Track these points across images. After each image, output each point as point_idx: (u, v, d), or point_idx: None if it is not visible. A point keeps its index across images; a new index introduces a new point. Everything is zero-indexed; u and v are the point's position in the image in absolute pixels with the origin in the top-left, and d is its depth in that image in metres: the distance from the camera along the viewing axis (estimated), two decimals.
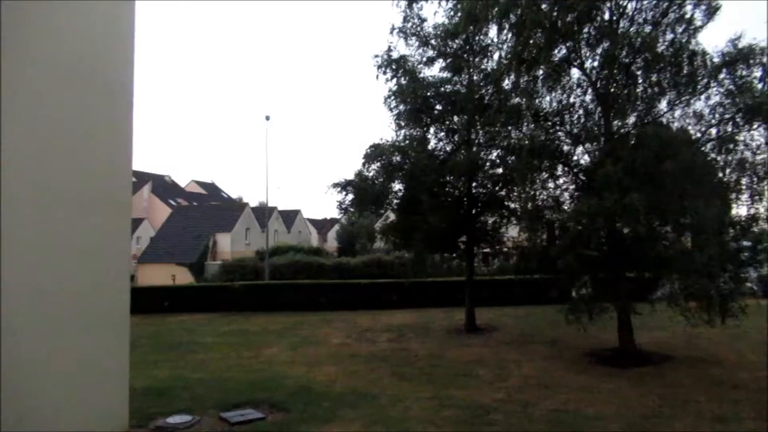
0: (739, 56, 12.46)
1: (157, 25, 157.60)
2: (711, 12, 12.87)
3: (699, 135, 13.20)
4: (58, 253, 7.35)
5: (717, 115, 12.96)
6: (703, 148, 12.98)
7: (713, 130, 13.08)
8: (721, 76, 12.78)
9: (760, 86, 12.51)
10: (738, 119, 12.50)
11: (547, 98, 14.56)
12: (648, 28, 13.18)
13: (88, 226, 7.93)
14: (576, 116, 14.55)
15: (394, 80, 18.02)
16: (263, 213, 45.20)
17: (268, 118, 36.68)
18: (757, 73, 12.52)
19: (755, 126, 12.54)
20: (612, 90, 13.50)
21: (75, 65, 7.76)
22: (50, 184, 7.25)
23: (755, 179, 12.46)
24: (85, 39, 8.00)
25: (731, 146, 12.61)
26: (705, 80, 12.92)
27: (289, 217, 64.97)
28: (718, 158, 12.91)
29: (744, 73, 12.59)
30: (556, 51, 13.43)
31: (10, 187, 6.48)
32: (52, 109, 7.35)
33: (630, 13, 13.37)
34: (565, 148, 14.54)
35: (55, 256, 7.27)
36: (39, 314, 6.94)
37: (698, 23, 12.90)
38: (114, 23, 8.64)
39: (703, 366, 12.63)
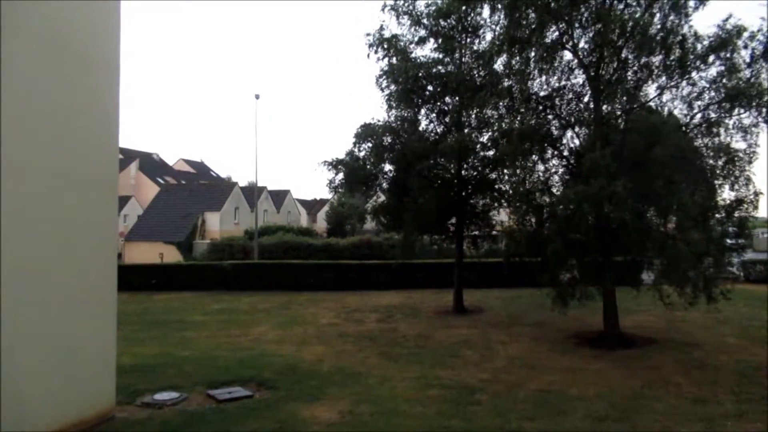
0: (727, 39, 12.39)
1: (144, 2, 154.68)
2: None
3: (686, 120, 13.21)
4: (44, 230, 7.30)
5: (705, 100, 12.96)
6: (690, 134, 12.99)
7: (699, 115, 13.10)
8: (711, 59, 12.73)
9: (747, 70, 12.48)
10: (724, 104, 12.51)
11: (538, 81, 14.49)
12: (640, 11, 13.09)
13: (74, 202, 7.87)
14: (566, 100, 14.54)
15: (386, 60, 17.89)
16: (252, 192, 44.91)
17: (258, 96, 36.17)
18: (746, 56, 12.44)
19: (739, 111, 12.54)
20: (603, 73, 13.44)
21: (60, 41, 7.62)
22: (35, 160, 7.17)
23: (738, 164, 12.48)
24: (70, 15, 7.85)
25: (714, 130, 12.63)
26: (694, 64, 12.87)
27: (279, 196, 64.60)
28: (704, 142, 12.94)
29: (732, 56, 12.50)
30: (548, 32, 13.32)
31: None
32: (37, 86, 7.23)
33: None
34: (555, 132, 14.53)
35: (40, 233, 7.22)
36: (25, 292, 6.91)
37: (691, 6, 12.77)
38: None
39: (685, 349, 12.82)
